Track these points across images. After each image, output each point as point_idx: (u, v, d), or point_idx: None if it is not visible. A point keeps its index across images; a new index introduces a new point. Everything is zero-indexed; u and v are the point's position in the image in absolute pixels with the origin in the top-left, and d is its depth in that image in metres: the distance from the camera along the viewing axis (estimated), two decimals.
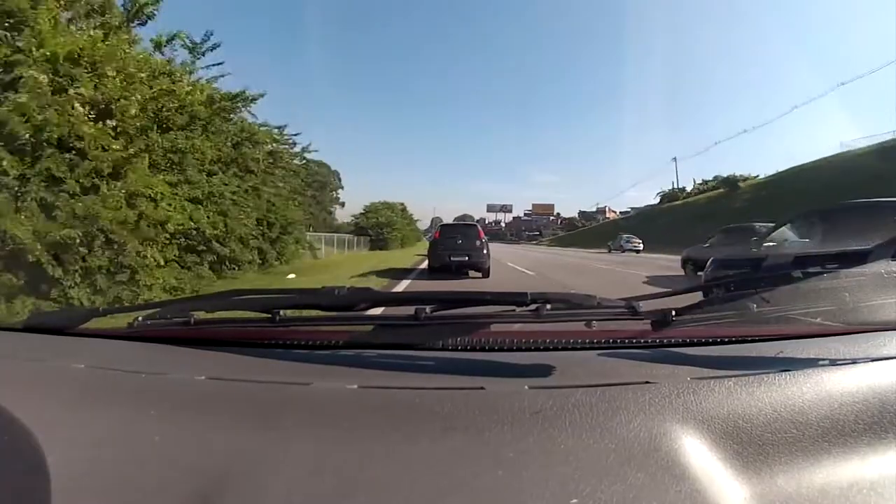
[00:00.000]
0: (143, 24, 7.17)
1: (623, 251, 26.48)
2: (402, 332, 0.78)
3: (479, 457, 0.48)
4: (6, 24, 4.78)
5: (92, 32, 5.69)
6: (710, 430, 0.51)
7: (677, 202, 48.83)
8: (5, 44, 4.72)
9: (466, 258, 9.51)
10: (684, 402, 0.56)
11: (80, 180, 4.91)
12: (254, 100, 9.93)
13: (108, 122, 5.38)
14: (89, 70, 5.38)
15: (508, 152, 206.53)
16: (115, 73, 5.60)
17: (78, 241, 4.65)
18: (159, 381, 0.69)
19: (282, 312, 0.81)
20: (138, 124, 5.83)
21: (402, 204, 43.09)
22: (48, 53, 4.98)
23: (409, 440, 0.51)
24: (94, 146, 5.04)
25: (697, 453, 0.48)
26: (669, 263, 12.25)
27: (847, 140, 34.32)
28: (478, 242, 9.76)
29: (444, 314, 0.78)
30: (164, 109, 6.77)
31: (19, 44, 4.79)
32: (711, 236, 10.15)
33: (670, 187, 56.45)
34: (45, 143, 4.69)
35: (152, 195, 5.89)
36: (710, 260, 5.85)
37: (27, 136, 4.56)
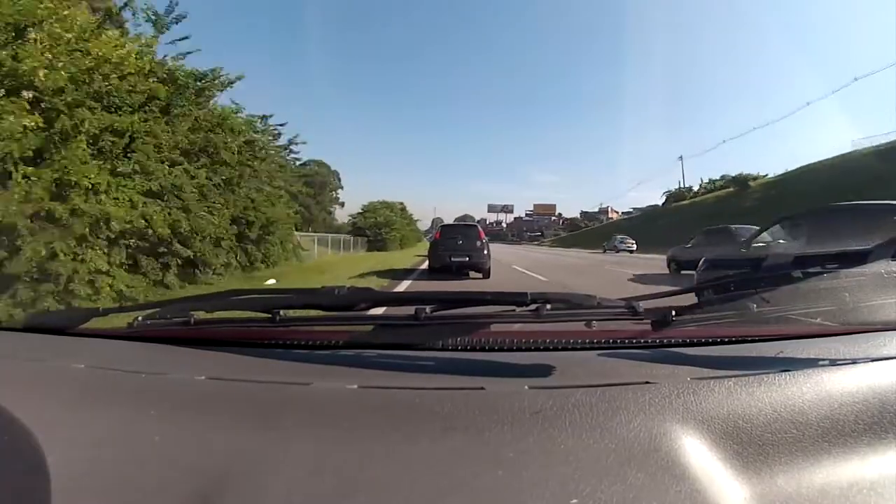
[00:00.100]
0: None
1: (617, 251, 27.63)
2: (402, 332, 0.78)
3: (479, 457, 0.48)
4: None
5: None
6: (710, 430, 0.51)
7: (684, 202, 47.73)
8: None
9: (467, 259, 9.52)
10: (684, 402, 0.56)
11: None
12: (230, 83, 8.90)
13: (25, 94, 4.46)
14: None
15: (509, 152, 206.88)
16: (38, 36, 4.65)
17: None
18: (159, 381, 0.69)
19: (282, 312, 0.81)
20: (69, 99, 4.86)
21: (402, 203, 42.10)
22: None
23: (409, 440, 0.51)
24: None
25: (697, 453, 0.48)
26: (661, 263, 12.81)
27: (858, 138, 33.90)
28: (478, 243, 9.77)
29: (444, 314, 0.78)
30: (105, 83, 5.64)
31: None
32: (693, 237, 11.04)
33: (676, 187, 55.32)
34: None
35: (90, 186, 4.90)
36: (702, 260, 6.12)
37: None
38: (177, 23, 7.43)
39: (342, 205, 49.18)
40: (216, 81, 8.55)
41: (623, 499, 0.42)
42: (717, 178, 47.64)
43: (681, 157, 55.80)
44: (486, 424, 0.52)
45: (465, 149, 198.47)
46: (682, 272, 10.11)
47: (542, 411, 0.54)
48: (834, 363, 0.67)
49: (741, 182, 38.73)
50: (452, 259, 9.49)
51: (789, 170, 37.61)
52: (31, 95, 4.54)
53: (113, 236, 5.24)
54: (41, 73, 4.58)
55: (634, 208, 70.53)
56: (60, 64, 4.88)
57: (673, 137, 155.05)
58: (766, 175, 39.09)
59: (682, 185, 54.00)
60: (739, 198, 34.60)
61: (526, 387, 0.62)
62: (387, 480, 0.45)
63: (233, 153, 8.60)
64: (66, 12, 5.37)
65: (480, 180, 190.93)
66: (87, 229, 4.81)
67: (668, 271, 11.10)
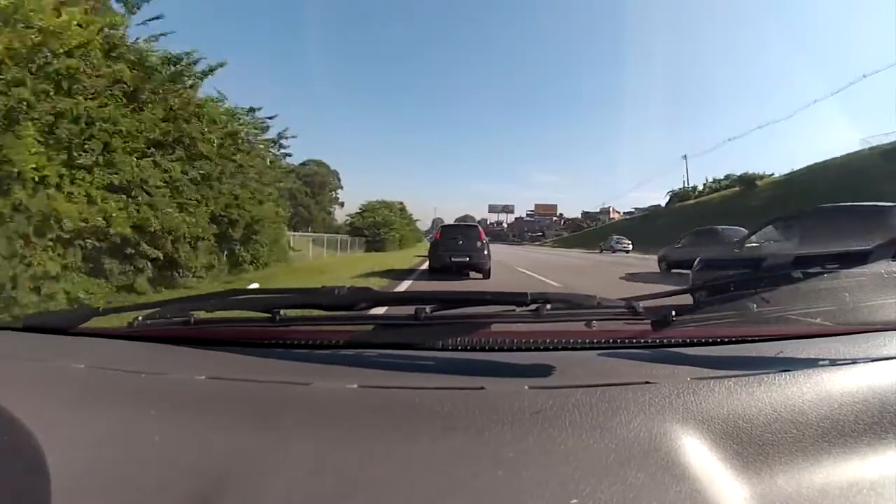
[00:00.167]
0: None
1: (613, 251, 28.08)
2: (403, 332, 0.78)
3: (479, 457, 0.48)
4: None
5: None
6: (710, 430, 0.51)
7: (689, 202, 46.21)
8: None
9: (467, 259, 9.52)
10: (684, 402, 0.56)
11: None
12: (211, 70, 8.30)
13: None
14: None
15: (509, 152, 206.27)
16: None
17: None
18: (159, 381, 0.69)
19: (282, 312, 0.81)
20: (8, 77, 4.28)
21: (401, 203, 41.12)
22: None
23: (409, 440, 0.51)
24: None
25: (697, 453, 0.48)
26: (655, 262, 13.28)
27: (866, 136, 32.97)
28: (479, 243, 9.77)
29: (445, 314, 0.78)
30: (58, 61, 4.97)
31: None
32: (682, 238, 11.67)
33: (680, 186, 54.07)
34: None
35: (37, 178, 4.32)
36: (696, 260, 6.25)
37: None
38: (148, 1, 6.87)
39: (342, 205, 48.87)
40: (193, 67, 7.90)
41: (623, 499, 0.42)
42: (722, 177, 46.94)
43: (685, 156, 54.86)
44: (486, 424, 0.52)
45: (466, 149, 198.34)
46: (672, 271, 10.78)
47: (542, 411, 0.54)
48: (834, 363, 0.67)
49: (748, 181, 37.67)
50: (453, 259, 9.50)
51: (797, 169, 36.89)
52: None
53: (67, 236, 4.65)
54: None
55: (636, 208, 70.20)
56: None
57: (674, 137, 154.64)
58: (773, 174, 38.41)
59: (686, 185, 52.97)
60: (746, 197, 33.92)
61: (526, 387, 0.62)
62: (387, 480, 0.45)
63: (212, 145, 7.83)
64: None
65: (481, 180, 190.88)
66: (31, 228, 4.28)
67: (658, 270, 11.75)
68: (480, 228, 10.57)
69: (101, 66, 5.77)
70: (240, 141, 9.40)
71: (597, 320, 0.80)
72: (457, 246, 9.68)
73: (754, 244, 6.15)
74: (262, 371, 0.70)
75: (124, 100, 6.15)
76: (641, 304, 0.77)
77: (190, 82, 8.21)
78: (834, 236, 4.60)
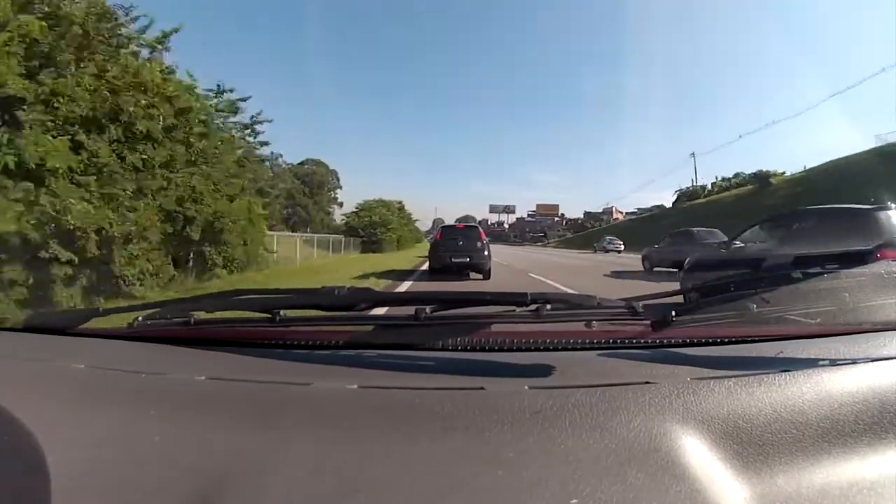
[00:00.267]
0: None
1: (606, 252, 29.55)
2: (403, 333, 0.78)
3: (479, 457, 0.48)
4: None
5: None
6: (710, 430, 0.51)
7: (699, 200, 45.22)
8: None
9: (467, 259, 9.53)
10: (684, 402, 0.56)
11: None
12: (165, 36, 7.19)
13: None
14: None
15: (510, 152, 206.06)
16: None
17: None
18: (159, 381, 0.69)
19: (282, 312, 0.81)
20: None
21: (400, 202, 39.67)
22: None
23: (409, 440, 0.51)
24: None
25: (697, 453, 0.48)
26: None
27: (883, 133, 32.41)
28: (479, 244, 9.78)
29: (445, 314, 0.78)
30: None
31: None
32: (663, 239, 12.62)
33: (688, 185, 52.71)
34: None
35: None
36: (686, 260, 6.57)
37: None
38: None
39: (341, 205, 48.51)
40: (131, 26, 6.53)
41: (623, 499, 0.42)
42: (731, 175, 45.94)
43: (692, 154, 54.12)
44: (486, 424, 0.52)
45: (466, 149, 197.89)
46: (654, 269, 11.70)
47: (542, 411, 0.54)
48: (834, 363, 0.67)
49: (762, 179, 36.95)
50: (453, 260, 9.51)
51: (813, 166, 35.79)
52: None
53: None
54: None
55: (639, 209, 70.10)
56: None
57: (677, 137, 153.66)
58: (783, 173, 37.53)
59: (694, 184, 51.49)
60: (761, 195, 32.94)
61: (526, 387, 0.62)
62: (387, 480, 0.45)
63: (156, 124, 6.42)
64: None
65: (481, 181, 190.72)
66: None
67: (643, 268, 12.52)
68: (480, 229, 10.57)
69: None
70: (196, 121, 7.73)
71: (597, 320, 0.80)
72: (457, 246, 9.69)
73: (741, 245, 6.28)
74: (262, 371, 0.70)
75: (35, 63, 5.03)
76: (641, 304, 0.77)
77: (133, 48, 6.93)
78: (818, 237, 4.75)
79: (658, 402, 0.56)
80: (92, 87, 5.64)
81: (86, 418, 0.57)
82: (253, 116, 10.65)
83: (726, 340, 0.79)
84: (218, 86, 9.50)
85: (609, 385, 0.60)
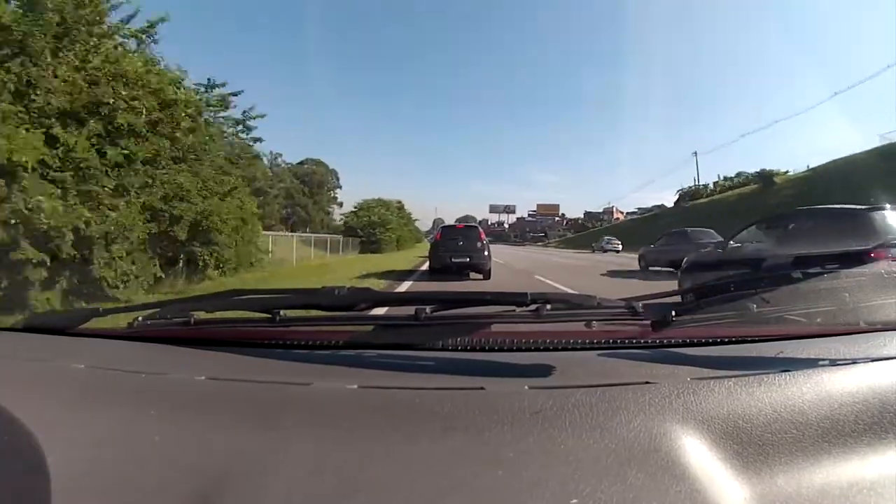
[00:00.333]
0: None
1: (604, 251, 30.09)
2: (403, 333, 0.78)
3: (479, 457, 0.48)
4: None
5: None
6: (710, 430, 0.51)
7: (702, 200, 43.87)
8: None
9: (467, 259, 9.54)
10: (684, 402, 0.56)
11: None
12: (151, 26, 6.90)
13: None
14: None
15: (510, 152, 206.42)
16: None
17: None
18: (159, 381, 0.69)
19: (282, 312, 0.81)
20: None
21: (399, 201, 39.18)
22: None
23: (409, 440, 0.51)
24: None
25: (697, 453, 0.48)
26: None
27: (886, 132, 31.82)
28: (479, 244, 9.80)
29: (445, 314, 0.78)
30: None
31: None
32: (658, 239, 12.94)
33: (689, 184, 51.32)
34: None
35: None
36: (684, 260, 6.81)
37: None
38: None
39: (340, 205, 48.36)
40: (114, 14, 6.18)
41: (623, 499, 0.42)
42: (733, 175, 45.12)
43: (695, 153, 52.43)
44: (486, 424, 0.52)
45: (466, 149, 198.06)
46: (650, 268, 12.07)
47: (542, 411, 0.54)
48: (834, 363, 0.67)
49: (765, 178, 35.64)
50: (453, 260, 9.53)
51: (813, 165, 35.09)
52: None
53: None
54: None
55: (639, 208, 69.95)
56: None
57: (678, 137, 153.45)
58: (787, 172, 36.55)
59: (696, 183, 50.23)
60: (765, 194, 31.93)
61: (526, 387, 0.62)
62: (387, 480, 0.45)
63: (138, 117, 6.01)
64: None
65: (481, 181, 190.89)
66: None
67: (638, 268, 12.87)
68: (480, 229, 10.59)
69: None
70: (183, 115, 7.22)
71: (597, 320, 0.80)
72: (457, 247, 9.70)
73: (737, 245, 6.34)
74: (262, 371, 0.70)
75: (7, 51, 4.76)
76: (641, 304, 0.77)
77: (117, 39, 6.49)
78: (814, 237, 4.79)
79: (658, 402, 0.56)
80: (70, 78, 5.34)
81: (86, 418, 0.57)
82: (245, 111, 10.05)
83: (726, 340, 0.79)
84: (208, 80, 9.06)
85: (609, 385, 0.60)
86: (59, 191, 4.96)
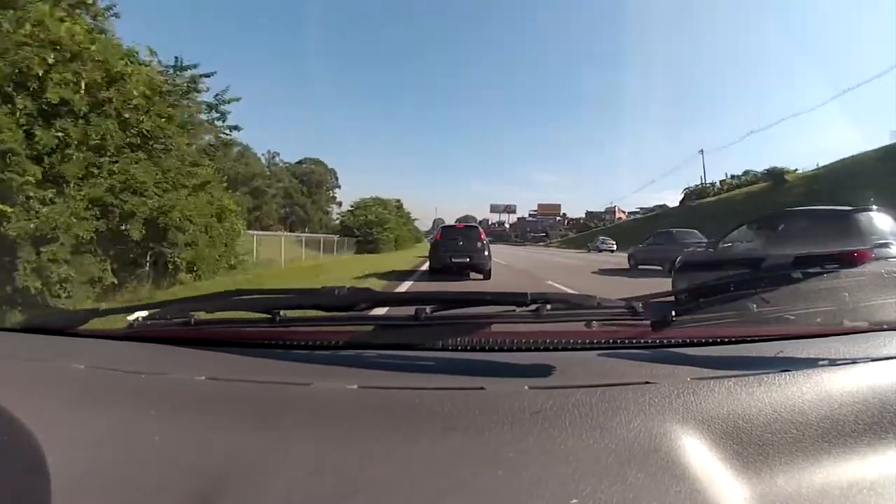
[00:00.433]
0: None
1: (600, 251, 31.28)
2: (403, 333, 0.78)
3: (479, 457, 0.48)
4: None
5: None
6: (710, 430, 0.51)
7: (709, 199, 42.42)
8: None
9: (468, 259, 9.56)
10: (684, 402, 0.56)
11: None
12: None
13: None
14: None
15: (510, 153, 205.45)
16: None
17: None
18: (159, 381, 0.69)
19: (282, 313, 0.81)
20: None
21: (398, 200, 38.21)
22: None
23: (409, 440, 0.51)
24: None
25: (697, 453, 0.48)
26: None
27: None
28: (479, 244, 9.81)
29: (445, 314, 0.78)
30: None
31: None
32: (647, 239, 13.77)
33: (696, 183, 50.39)
34: None
35: None
36: (677, 259, 7.04)
37: None
38: None
39: (339, 204, 48.35)
40: None
41: (623, 499, 0.42)
42: (741, 173, 44.11)
43: (701, 151, 51.27)
44: (486, 424, 0.52)
45: (466, 149, 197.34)
46: (639, 267, 12.83)
47: (542, 411, 0.54)
48: (834, 363, 0.67)
49: (776, 176, 34.54)
50: (453, 260, 9.54)
51: (823, 164, 33.89)
52: None
53: None
54: None
55: (641, 208, 70.04)
56: None
57: (678, 136, 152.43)
58: (796, 170, 35.48)
59: (703, 182, 49.19)
60: (776, 193, 30.40)
61: (526, 387, 0.62)
62: (387, 480, 0.45)
63: (74, 92, 5.06)
64: None
65: (481, 181, 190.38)
66: None
67: (628, 266, 13.54)
68: (481, 229, 10.61)
69: None
70: (137, 94, 6.14)
71: (597, 320, 0.80)
72: (457, 247, 9.71)
73: (728, 244, 6.43)
74: (262, 371, 0.70)
75: None
76: (641, 304, 0.77)
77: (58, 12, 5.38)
78: (802, 238, 4.86)
79: (658, 402, 0.56)
80: None
81: (86, 418, 0.57)
82: (217, 94, 8.59)
83: (726, 340, 0.79)
84: (176, 59, 7.76)
85: (609, 385, 0.60)
86: None
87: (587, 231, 68.44)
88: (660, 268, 11.08)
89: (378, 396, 0.62)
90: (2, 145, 4.39)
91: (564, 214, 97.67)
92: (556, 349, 0.78)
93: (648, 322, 0.77)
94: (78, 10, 5.74)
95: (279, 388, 0.64)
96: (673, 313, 0.76)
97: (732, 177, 45.92)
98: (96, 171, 5.55)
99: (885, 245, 4.22)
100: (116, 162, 5.82)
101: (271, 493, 0.43)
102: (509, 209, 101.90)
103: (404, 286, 8.15)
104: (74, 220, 5.02)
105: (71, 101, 5.08)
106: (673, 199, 55.04)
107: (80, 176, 5.28)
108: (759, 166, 39.65)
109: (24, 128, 4.71)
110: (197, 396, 0.64)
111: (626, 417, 0.53)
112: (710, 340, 0.79)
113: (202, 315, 0.88)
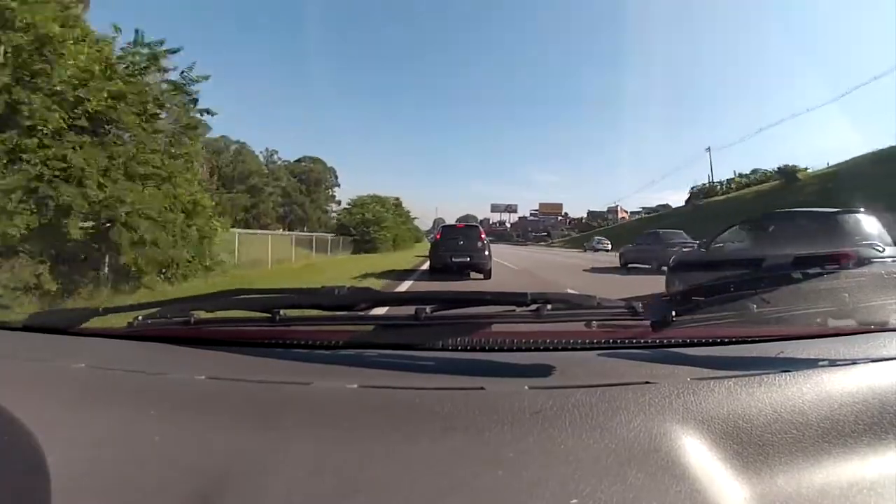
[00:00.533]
0: None
1: (595, 251, 31.89)
2: (403, 332, 0.78)
3: (479, 457, 0.48)
4: None
5: None
6: (710, 430, 0.51)
7: (718, 198, 41.49)
8: None
9: (468, 259, 9.56)
10: (684, 402, 0.56)
11: None
12: None
13: None
14: None
15: (510, 152, 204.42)
16: None
17: None
18: (159, 380, 0.69)
19: (282, 312, 0.81)
20: None
21: (397, 199, 36.28)
22: None
23: (409, 440, 0.51)
24: None
25: (697, 453, 0.48)
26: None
27: None
28: (479, 243, 9.81)
29: (445, 314, 0.78)
30: None
31: None
32: (636, 239, 14.54)
33: (703, 182, 49.79)
34: None
35: None
36: (671, 259, 7.29)
37: None
38: None
39: (339, 203, 48.23)
40: None
41: (623, 499, 0.42)
42: (748, 171, 43.60)
43: (708, 149, 50.51)
44: (486, 424, 0.52)
45: (466, 149, 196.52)
46: (629, 266, 13.45)
47: (542, 411, 0.54)
48: (834, 363, 0.67)
49: (788, 174, 33.63)
50: (453, 259, 9.54)
51: (831, 163, 33.24)
52: None
53: None
54: None
55: (644, 208, 70.10)
56: None
57: (680, 136, 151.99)
58: (806, 169, 33.96)
59: (710, 180, 48.39)
60: (789, 192, 29.56)
61: (526, 387, 0.62)
62: (387, 480, 0.45)
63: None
64: None
65: (481, 181, 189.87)
66: None
67: (619, 265, 14.19)
68: (481, 229, 10.60)
69: None
70: (73, 65, 5.17)
71: (597, 320, 0.80)
72: (457, 246, 9.72)
73: (720, 245, 6.52)
74: (262, 371, 0.70)
75: None
76: (641, 304, 0.77)
77: None
78: (792, 239, 4.93)
79: (658, 402, 0.56)
80: None
81: (86, 418, 0.57)
82: (183, 72, 7.22)
83: (726, 340, 0.79)
84: (136, 31, 6.48)
85: (609, 385, 0.60)
86: None
87: (589, 231, 67.91)
88: (648, 266, 11.87)
89: (378, 396, 0.62)
90: None
91: (566, 214, 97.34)
92: (556, 349, 0.78)
93: (648, 322, 0.77)
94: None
95: (279, 387, 0.64)
96: (673, 313, 0.76)
97: (741, 175, 45.33)
98: (24, 157, 4.65)
99: (870, 246, 4.39)
100: (46, 146, 4.82)
101: (271, 493, 0.43)
102: (510, 209, 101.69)
103: (404, 286, 8.15)
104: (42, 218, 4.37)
105: None
106: (675, 199, 55.18)
107: (2, 161, 4.46)
108: (760, 166, 39.53)
109: None
110: (197, 396, 0.64)
111: (626, 417, 0.53)
112: (710, 341, 0.79)
113: (202, 314, 0.88)
